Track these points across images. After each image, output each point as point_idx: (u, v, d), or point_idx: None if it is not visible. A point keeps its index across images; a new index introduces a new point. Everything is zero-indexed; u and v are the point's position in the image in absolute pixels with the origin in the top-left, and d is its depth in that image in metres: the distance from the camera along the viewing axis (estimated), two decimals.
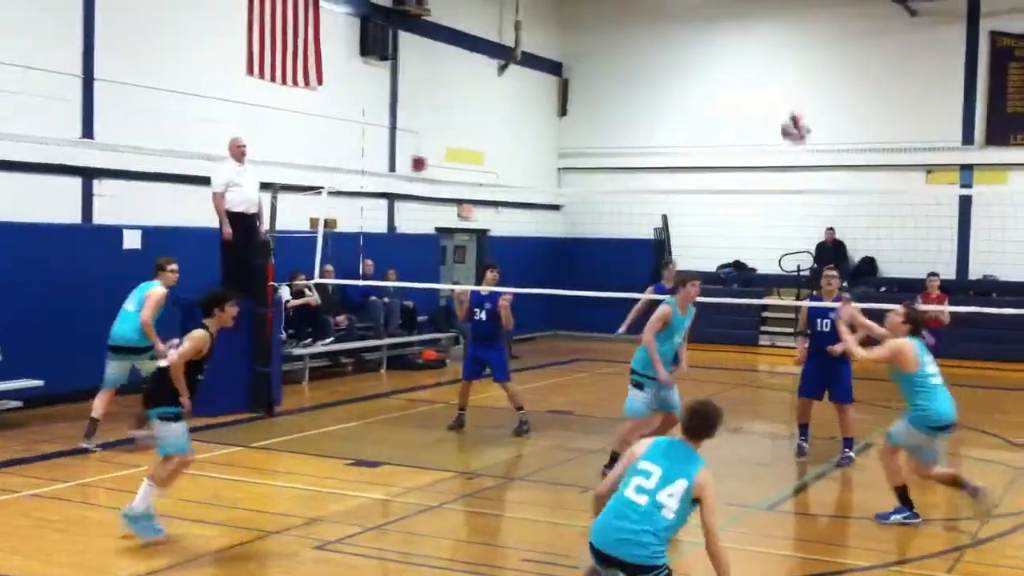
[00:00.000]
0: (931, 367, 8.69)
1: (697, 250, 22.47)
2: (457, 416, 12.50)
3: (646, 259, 23.36)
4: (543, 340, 23.25)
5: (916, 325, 8.83)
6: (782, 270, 21.78)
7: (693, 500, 5.65)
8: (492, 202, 22.57)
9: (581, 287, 15.78)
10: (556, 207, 25.22)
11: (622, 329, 12.53)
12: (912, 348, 8.63)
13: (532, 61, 23.98)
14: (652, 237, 23.57)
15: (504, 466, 11.28)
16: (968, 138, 21.58)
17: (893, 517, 8.77)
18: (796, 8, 23.06)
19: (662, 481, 5.67)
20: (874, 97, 22.17)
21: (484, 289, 12.36)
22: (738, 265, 23.00)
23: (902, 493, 8.85)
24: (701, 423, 5.89)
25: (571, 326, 23.61)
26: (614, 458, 9.62)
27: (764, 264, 22.37)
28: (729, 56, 23.65)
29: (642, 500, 5.66)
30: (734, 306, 19.65)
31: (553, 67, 25.16)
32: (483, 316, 12.33)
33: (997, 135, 21.42)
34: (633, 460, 5.83)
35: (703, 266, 21.44)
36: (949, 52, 21.70)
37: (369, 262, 17.85)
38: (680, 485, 5.65)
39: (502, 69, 23.15)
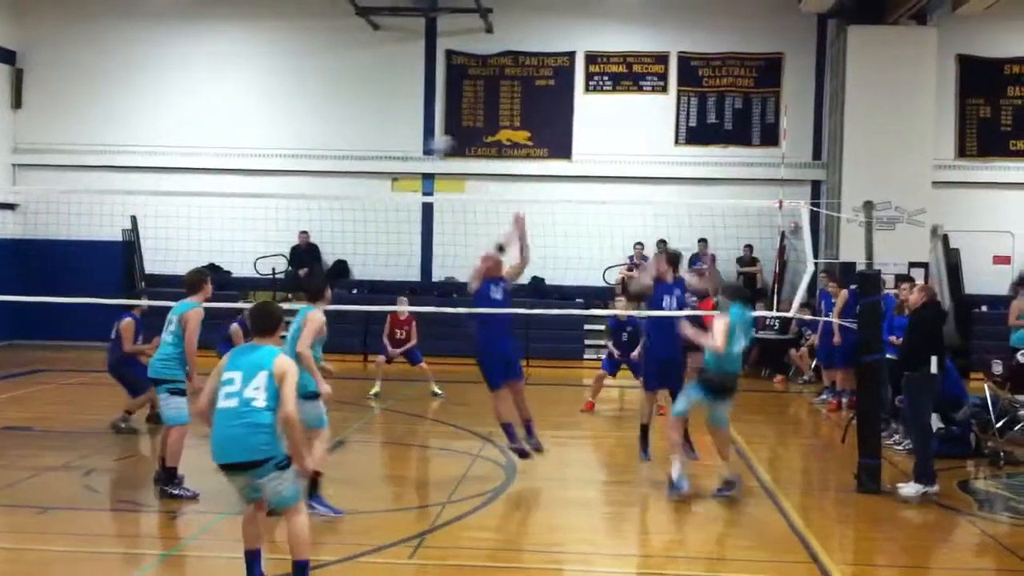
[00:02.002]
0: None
1: (170, 252, 21.67)
2: None
3: (116, 261, 22.31)
4: None
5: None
6: (258, 273, 21.80)
7: (278, 384, 6.65)
8: None
9: (43, 292, 14.62)
10: (11, 206, 23.20)
11: None
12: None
13: None
14: (121, 239, 22.51)
15: None
16: (429, 149, 22.99)
17: None
18: (265, 16, 23.20)
19: (244, 380, 6.67)
20: (341, 106, 22.93)
21: None
22: (213, 268, 22.60)
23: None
24: (266, 321, 7.02)
25: (32, 334, 21.86)
26: None
27: (239, 267, 22.24)
28: (200, 57, 23.25)
29: (233, 403, 6.61)
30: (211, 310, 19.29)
31: (5, 55, 23.14)
32: None
33: (454, 147, 23.02)
34: (218, 376, 6.77)
35: (177, 269, 20.69)
36: (411, 67, 23.03)
37: None
38: (262, 376, 6.65)
39: None
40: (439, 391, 16.44)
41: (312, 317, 9.24)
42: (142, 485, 10.38)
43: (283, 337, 8.60)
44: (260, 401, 6.63)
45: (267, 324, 7.03)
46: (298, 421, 6.72)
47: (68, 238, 21.66)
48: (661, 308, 10.97)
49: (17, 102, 23.53)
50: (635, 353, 14.46)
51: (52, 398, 16.10)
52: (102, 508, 9.61)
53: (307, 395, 8.79)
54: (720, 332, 9.77)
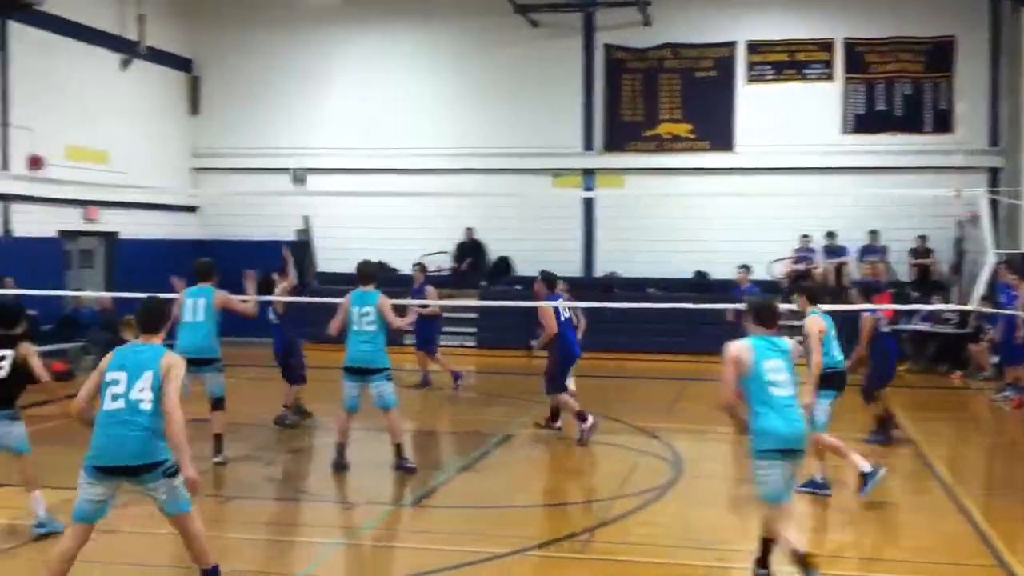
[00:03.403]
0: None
1: (340, 252, 22.39)
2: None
3: None
4: None
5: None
6: None
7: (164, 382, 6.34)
8: (121, 203, 21.38)
9: (222, 289, 15.18)
10: (192, 208, 24.32)
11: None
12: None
13: (159, 57, 23.01)
14: (295, 239, 23.31)
15: None
16: (589, 144, 23.02)
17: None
18: (425, 16, 23.59)
19: (130, 381, 6.32)
20: (502, 104, 23.11)
21: None
22: (381, 266, 23.14)
23: None
24: (154, 319, 6.73)
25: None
26: None
27: (406, 265, 22.63)
28: (363, 60, 23.84)
29: (119, 405, 6.29)
30: None
31: (182, 63, 24.25)
32: None
33: (614, 142, 23.02)
34: (100, 375, 6.46)
35: (346, 268, 21.40)
36: (569, 63, 23.06)
37: None
38: (147, 377, 6.32)
39: (126, 64, 22.03)
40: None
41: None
42: (318, 476, 10.74)
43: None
44: (147, 403, 6.32)
45: (155, 322, 6.76)
46: (180, 420, 6.32)
47: (245, 238, 22.53)
48: None
49: (195, 108, 24.63)
50: None
51: (230, 392, 16.73)
52: (280, 498, 9.97)
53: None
54: (816, 346, 9.53)
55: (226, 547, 8.25)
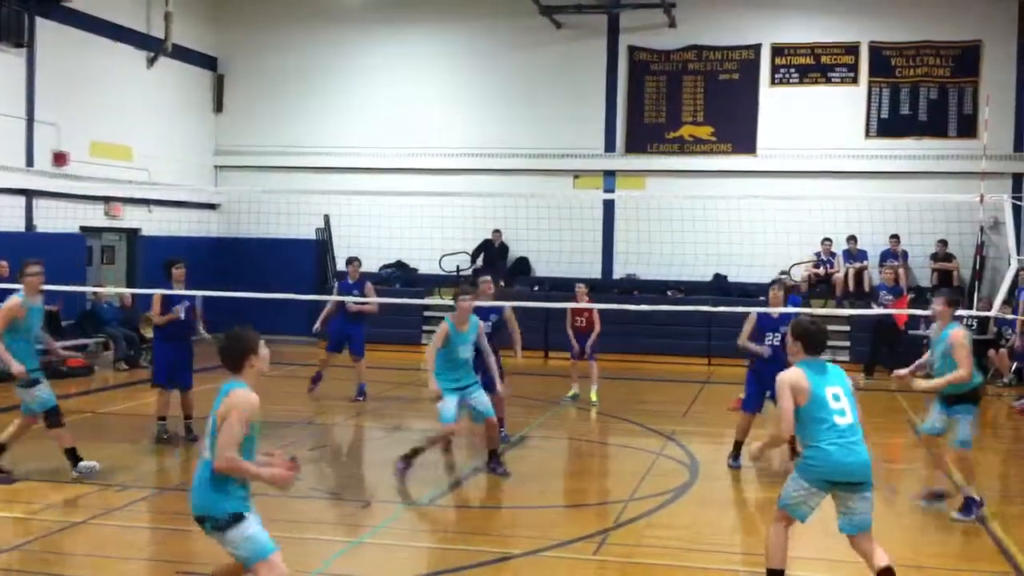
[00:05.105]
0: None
1: (360, 251, 22.29)
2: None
3: (309, 259, 23.18)
4: (200, 344, 22.38)
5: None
6: (443, 270, 22.24)
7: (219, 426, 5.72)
8: (143, 200, 21.51)
9: (241, 288, 15.26)
10: (213, 206, 24.43)
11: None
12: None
13: (184, 54, 23.12)
14: (315, 237, 23.38)
15: (154, 476, 10.79)
16: (610, 146, 22.99)
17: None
18: (449, 18, 23.61)
19: (212, 426, 5.79)
20: (524, 105, 23.11)
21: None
22: (400, 265, 23.26)
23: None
24: (228, 354, 6.05)
25: (232, 328, 22.83)
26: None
27: (427, 264, 22.71)
28: (387, 60, 23.86)
29: (206, 455, 5.83)
30: (397, 306, 19.73)
31: (207, 61, 24.37)
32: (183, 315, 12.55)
33: (636, 143, 22.97)
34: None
35: (367, 266, 21.35)
36: (593, 64, 23.03)
37: (3, 263, 16.49)
38: (209, 423, 5.82)
39: (151, 62, 22.18)
40: (595, 399, 15.39)
41: None
42: (334, 475, 10.76)
43: None
44: (206, 451, 5.82)
45: (232, 358, 6.10)
46: (228, 463, 5.69)
47: (265, 236, 22.63)
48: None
49: (219, 106, 24.74)
50: None
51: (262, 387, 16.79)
52: (296, 496, 9.96)
53: None
54: None
55: None
